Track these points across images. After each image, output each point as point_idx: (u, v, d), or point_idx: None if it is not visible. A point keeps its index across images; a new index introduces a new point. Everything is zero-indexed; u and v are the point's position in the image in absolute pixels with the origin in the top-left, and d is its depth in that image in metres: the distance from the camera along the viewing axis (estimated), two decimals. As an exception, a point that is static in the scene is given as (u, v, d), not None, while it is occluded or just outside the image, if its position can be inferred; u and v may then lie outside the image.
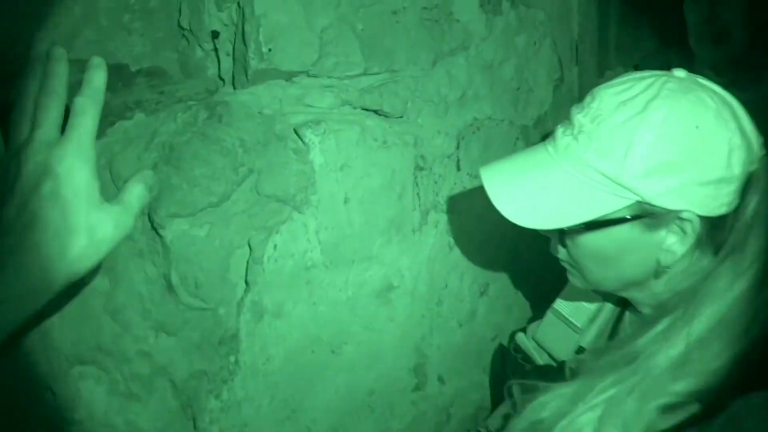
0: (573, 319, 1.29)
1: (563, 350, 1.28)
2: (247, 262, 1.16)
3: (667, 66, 1.77)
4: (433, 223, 1.43)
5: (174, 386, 1.13)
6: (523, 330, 1.41)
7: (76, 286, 1.01)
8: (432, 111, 1.41)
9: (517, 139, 1.60)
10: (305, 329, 1.26)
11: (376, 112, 1.32)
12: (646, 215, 0.97)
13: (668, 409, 0.91)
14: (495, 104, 1.53)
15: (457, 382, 1.59)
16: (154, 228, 1.07)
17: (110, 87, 0.99)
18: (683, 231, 0.97)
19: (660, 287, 1.05)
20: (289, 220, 1.19)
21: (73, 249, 0.69)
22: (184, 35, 1.17)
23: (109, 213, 0.74)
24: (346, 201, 1.26)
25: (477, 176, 1.49)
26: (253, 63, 1.14)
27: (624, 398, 0.94)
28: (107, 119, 1.07)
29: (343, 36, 1.22)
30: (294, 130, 1.19)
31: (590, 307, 1.29)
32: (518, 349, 1.37)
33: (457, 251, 1.51)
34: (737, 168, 0.95)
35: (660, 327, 0.97)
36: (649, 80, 0.97)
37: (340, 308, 1.30)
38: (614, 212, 0.97)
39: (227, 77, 1.19)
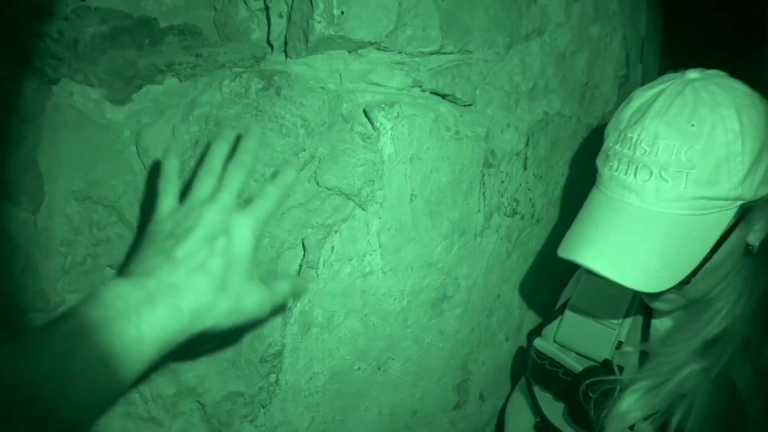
0: (602, 315, 1.13)
1: (598, 348, 1.13)
2: (300, 266, 0.90)
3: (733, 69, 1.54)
4: (494, 228, 1.18)
5: (203, 410, 0.87)
6: (538, 334, 1.20)
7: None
8: (502, 101, 1.15)
9: (583, 138, 1.35)
10: (354, 344, 1.00)
11: (444, 97, 1.06)
12: (747, 211, 0.90)
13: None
14: (565, 99, 1.28)
15: (496, 399, 1.35)
16: (194, 220, 0.81)
17: (135, 43, 0.78)
18: (766, 208, 0.92)
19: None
20: (351, 218, 0.93)
21: (220, 306, 0.66)
22: (225, -11, 0.91)
23: (258, 290, 0.71)
24: (412, 199, 1.00)
25: (542, 177, 1.26)
26: (319, 27, 0.87)
27: (740, 357, 0.92)
28: (133, 83, 0.81)
29: (424, 4, 0.96)
30: (364, 111, 0.93)
31: (616, 300, 1.13)
32: (542, 355, 1.16)
33: (513, 259, 1.26)
34: None
35: (726, 306, 0.94)
36: (686, 91, 0.89)
37: (392, 320, 1.05)
38: (727, 226, 0.88)
39: (277, 43, 0.93)
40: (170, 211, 0.70)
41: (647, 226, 0.87)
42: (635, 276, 0.86)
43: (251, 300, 0.69)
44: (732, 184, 0.85)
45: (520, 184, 1.21)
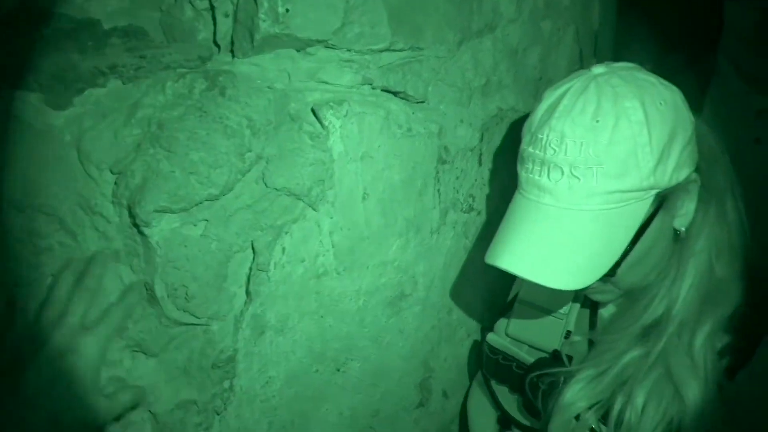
0: (550, 306, 1.14)
1: (548, 339, 1.13)
2: (250, 269, 0.88)
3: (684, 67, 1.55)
4: (451, 224, 1.17)
5: (154, 420, 0.84)
6: (491, 329, 1.21)
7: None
8: (455, 97, 1.13)
9: (538, 133, 1.34)
10: (310, 346, 0.98)
11: (396, 94, 1.04)
12: (665, 199, 0.91)
13: (716, 347, 0.92)
14: (518, 94, 1.27)
15: (460, 396, 1.33)
16: (135, 225, 0.78)
17: (78, 46, 0.79)
18: (688, 192, 0.93)
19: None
20: (301, 218, 0.91)
21: (68, 415, 0.73)
22: (170, -10, 0.88)
23: (101, 399, 0.77)
24: (364, 197, 0.98)
25: (497, 172, 1.25)
26: (264, 26, 0.85)
27: (675, 342, 0.93)
28: (74, 86, 0.78)
29: (371, 2, 0.94)
30: (312, 110, 0.90)
31: (562, 291, 1.09)
32: (495, 350, 1.16)
33: (471, 255, 1.24)
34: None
35: (661, 290, 0.95)
36: (590, 87, 0.89)
37: (349, 320, 1.03)
38: (645, 215, 0.89)
39: (224, 43, 0.90)
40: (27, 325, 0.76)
41: (564, 225, 0.88)
42: (557, 276, 0.87)
43: (99, 408, 0.76)
44: (643, 175, 0.86)
45: (476, 180, 1.20)
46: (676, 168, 0.88)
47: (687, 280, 0.94)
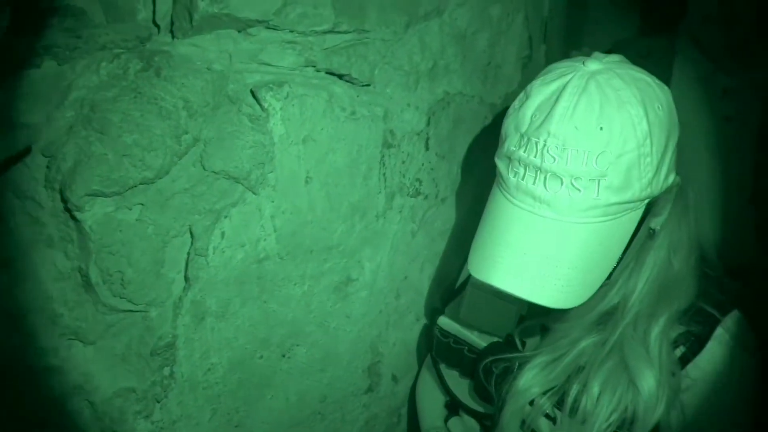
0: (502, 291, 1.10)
1: (501, 324, 1.11)
2: (188, 254, 0.86)
3: (644, 52, 1.56)
4: (397, 209, 1.16)
5: (92, 408, 0.82)
6: (442, 312, 1.19)
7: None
8: (402, 81, 1.12)
9: (486, 118, 1.34)
10: (253, 332, 0.97)
11: (340, 77, 1.03)
12: (653, 204, 0.89)
13: (670, 338, 0.93)
14: (466, 79, 1.26)
15: (410, 380, 1.34)
16: (68, 210, 0.76)
17: (13, 27, 0.74)
18: (671, 193, 0.92)
19: None
20: (240, 202, 0.89)
21: None
22: (110, -32, 0.85)
23: None
24: (307, 181, 0.97)
25: (444, 156, 1.25)
26: (202, 5, 0.82)
27: (630, 333, 0.94)
28: (7, 66, 0.75)
29: (314, -18, 0.93)
30: (251, 91, 0.89)
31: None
32: (446, 333, 1.15)
33: (419, 239, 1.24)
34: None
35: (619, 281, 0.95)
36: (590, 87, 0.83)
37: (294, 306, 1.02)
38: (637, 223, 0.88)
39: (163, 23, 0.87)
40: None
41: (563, 240, 0.84)
42: (557, 294, 0.83)
43: None
44: (642, 186, 0.83)
45: (423, 164, 1.19)
46: (667, 174, 0.87)
47: (645, 273, 0.94)
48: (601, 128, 0.80)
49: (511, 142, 0.88)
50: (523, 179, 0.85)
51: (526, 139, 0.85)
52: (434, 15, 1.17)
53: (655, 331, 0.93)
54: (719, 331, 0.93)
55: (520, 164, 0.86)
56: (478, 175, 1.34)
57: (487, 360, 1.07)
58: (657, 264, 0.95)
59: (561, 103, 0.82)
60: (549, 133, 0.82)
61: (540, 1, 1.50)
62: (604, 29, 1.88)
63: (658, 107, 0.84)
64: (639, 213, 0.86)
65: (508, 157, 0.89)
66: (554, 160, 0.82)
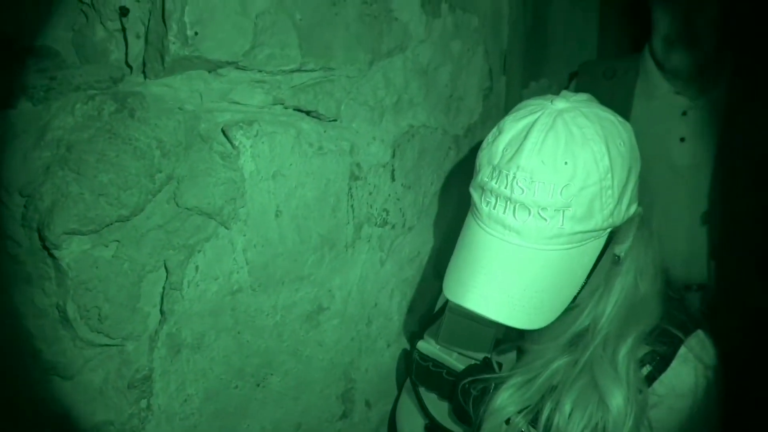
0: (479, 316, 1.15)
1: (478, 347, 1.16)
2: (163, 288, 0.89)
3: (609, 73, 1.61)
4: (366, 238, 1.20)
5: (69, 442, 0.85)
6: (419, 336, 1.24)
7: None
8: (367, 116, 1.18)
9: (450, 149, 1.39)
10: (228, 362, 0.99)
11: (308, 113, 1.07)
12: (615, 232, 0.95)
13: (637, 358, 0.98)
14: (430, 112, 1.32)
15: (383, 405, 1.37)
16: (45, 248, 0.78)
17: None
18: (633, 222, 0.97)
19: None
20: (213, 237, 0.93)
21: None
22: (82, 10, 0.89)
23: None
24: (277, 215, 1.01)
25: (410, 186, 1.30)
26: (174, 48, 0.87)
27: (599, 353, 0.98)
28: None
29: (281, 24, 0.97)
30: (222, 130, 0.92)
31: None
32: (425, 357, 1.19)
33: (388, 267, 1.28)
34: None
35: (589, 305, 1.00)
36: (557, 124, 0.89)
37: (267, 336, 1.05)
38: (600, 250, 0.93)
39: (136, 64, 0.91)
40: None
41: (531, 265, 0.89)
42: (525, 316, 0.88)
43: None
44: (604, 216, 0.88)
45: (389, 195, 1.24)
46: (629, 205, 0.92)
47: (613, 297, 1.00)
48: (566, 163, 0.86)
49: (484, 174, 0.93)
50: (494, 209, 0.91)
51: (497, 172, 0.90)
52: (397, 51, 1.22)
53: (623, 351, 0.97)
54: (683, 351, 0.98)
55: (491, 194, 0.91)
56: (444, 203, 1.39)
57: (465, 381, 1.11)
58: (624, 288, 1.00)
59: (530, 139, 0.88)
60: (518, 167, 0.87)
61: (499, 35, 1.56)
62: (563, 58, 1.95)
63: (620, 143, 0.90)
64: (602, 241, 0.92)
65: (481, 187, 0.94)
66: (523, 191, 0.87)
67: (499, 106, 1.57)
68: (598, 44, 2.08)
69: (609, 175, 0.87)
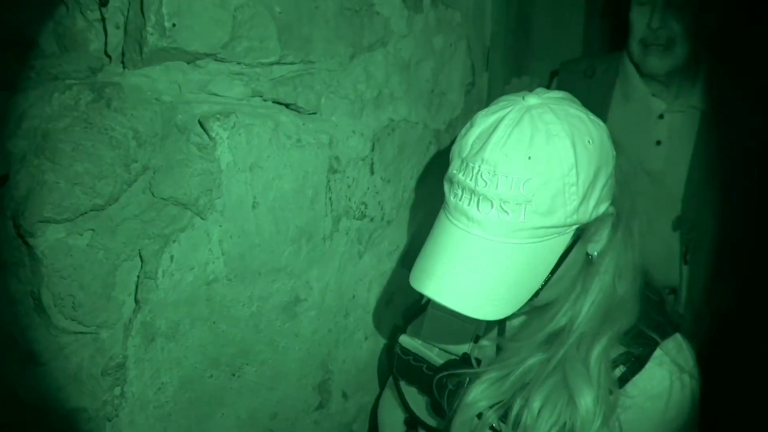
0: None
1: (458, 343, 1.16)
2: (138, 277, 0.90)
3: (590, 72, 1.62)
4: (344, 231, 1.22)
5: (46, 430, 0.85)
6: (403, 330, 1.24)
7: None
8: (347, 109, 1.19)
9: (430, 143, 1.41)
10: (203, 351, 1.01)
11: (287, 106, 1.08)
12: (583, 230, 0.94)
13: (611, 358, 0.98)
14: (411, 106, 1.33)
15: (360, 397, 1.38)
16: (20, 235, 0.79)
17: None
18: (604, 221, 0.96)
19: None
20: (189, 227, 0.94)
21: None
22: (62, 0, 0.90)
23: None
24: (254, 206, 1.02)
25: (390, 180, 1.31)
26: (152, 39, 0.88)
27: (573, 353, 0.98)
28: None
29: (260, 17, 0.98)
30: (199, 121, 0.93)
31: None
32: (407, 351, 1.20)
33: (366, 260, 1.30)
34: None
35: (566, 305, 1.00)
36: (523, 120, 0.89)
37: (243, 326, 1.06)
38: (565, 247, 0.92)
39: (115, 54, 0.92)
40: None
41: (491, 257, 0.89)
42: (482, 307, 0.89)
43: None
44: (567, 213, 0.88)
45: (368, 188, 1.25)
46: (597, 204, 0.91)
47: (590, 297, 0.99)
48: (529, 158, 0.86)
49: (453, 166, 0.94)
50: (460, 200, 0.91)
51: (465, 164, 0.91)
52: (378, 46, 1.23)
53: (597, 350, 0.98)
54: (658, 353, 0.98)
55: (458, 186, 0.92)
56: (424, 197, 1.40)
57: (441, 375, 1.12)
58: (602, 289, 1.00)
59: (497, 133, 0.88)
60: (483, 160, 0.88)
61: (482, 31, 1.57)
62: (547, 55, 1.96)
63: (589, 141, 0.89)
64: (567, 238, 0.91)
65: (450, 179, 0.95)
66: (486, 184, 0.87)
67: (481, 101, 1.59)
68: (584, 42, 2.09)
69: (573, 172, 0.87)
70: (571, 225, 0.90)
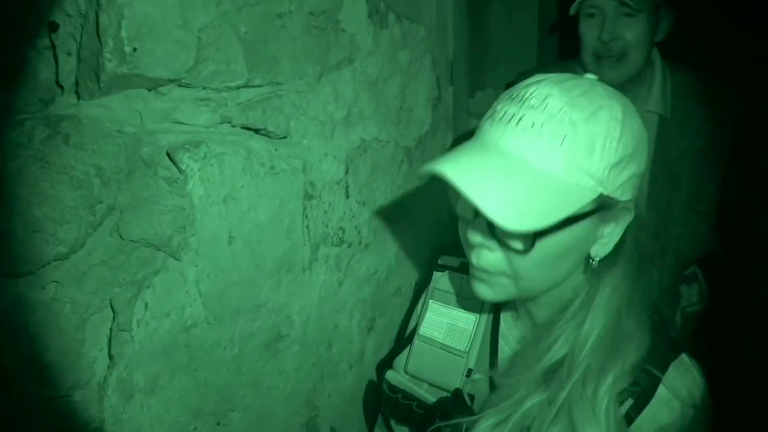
0: (451, 343, 1.08)
1: (449, 377, 1.07)
2: (111, 330, 0.79)
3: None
4: (323, 259, 1.13)
5: None
6: (388, 365, 1.15)
7: None
8: (318, 131, 1.11)
9: (402, 161, 1.34)
10: (185, 403, 0.90)
11: (257, 131, 1.00)
12: (603, 208, 0.87)
13: (616, 397, 0.90)
14: (380, 124, 1.26)
15: (348, 429, 1.29)
16: (-26, 294, 0.69)
17: None
18: (617, 222, 0.89)
19: (568, 287, 0.95)
20: (163, 270, 0.84)
21: None
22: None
23: None
24: (230, 241, 0.93)
25: (365, 203, 1.24)
26: (110, 66, 0.78)
27: (579, 392, 0.89)
28: None
29: (226, 38, 0.89)
30: (167, 153, 0.84)
31: (463, 326, 1.09)
32: (394, 389, 1.11)
33: (346, 287, 1.21)
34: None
35: (565, 332, 0.92)
36: (584, 80, 0.88)
37: (225, 370, 0.96)
38: (584, 206, 0.84)
39: (67, 84, 0.82)
40: None
41: (515, 169, 0.81)
42: (494, 204, 0.78)
43: None
44: (602, 165, 0.82)
45: (344, 213, 1.17)
46: (624, 185, 0.86)
47: (596, 327, 0.91)
48: (582, 96, 0.84)
49: (500, 102, 0.88)
50: (498, 120, 0.85)
51: (515, 94, 0.86)
52: (346, 63, 1.16)
53: (603, 389, 0.89)
54: (662, 390, 0.91)
55: (501, 111, 0.86)
56: (399, 217, 1.33)
57: (435, 426, 1.02)
58: (609, 320, 0.92)
59: (554, 75, 0.87)
60: (537, 88, 0.85)
61: (445, 45, 1.52)
62: (503, 67, 1.92)
63: (634, 122, 0.87)
64: (588, 196, 0.83)
65: (492, 110, 0.88)
66: (533, 106, 0.83)
67: (447, 116, 1.53)
68: (538, 52, 2.06)
69: (619, 128, 0.83)
70: (597, 182, 0.83)
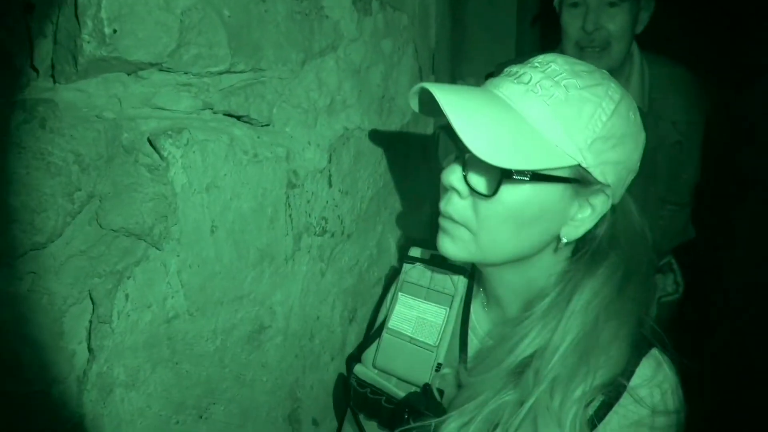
0: (420, 337, 1.07)
1: (418, 371, 1.05)
2: (90, 322, 0.76)
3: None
4: (306, 249, 1.10)
5: None
6: (357, 359, 1.13)
7: None
8: (301, 119, 1.07)
9: (385, 150, 1.31)
10: (167, 396, 0.87)
11: (239, 118, 0.97)
12: (579, 181, 0.86)
13: (586, 400, 0.87)
14: (363, 113, 1.23)
15: (330, 421, 1.27)
16: (-55, 286, 0.65)
17: None
18: (593, 208, 0.88)
19: (538, 267, 0.94)
20: (144, 260, 0.80)
21: None
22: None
23: None
24: (213, 230, 0.90)
25: (347, 192, 1.21)
26: (89, 48, 0.74)
27: (546, 402, 0.86)
28: None
29: (209, 21, 0.86)
30: (148, 139, 0.80)
31: (433, 320, 1.07)
32: (362, 383, 1.09)
33: (328, 278, 1.18)
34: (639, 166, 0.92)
35: (529, 331, 0.90)
36: (596, 69, 0.91)
37: (207, 363, 0.93)
38: (559, 168, 0.84)
39: (43, 67, 0.78)
40: None
41: (504, 112, 0.84)
42: (473, 132, 0.80)
43: None
44: (586, 134, 0.83)
45: (327, 202, 1.14)
46: (606, 166, 0.85)
47: (570, 333, 0.88)
48: (586, 72, 0.87)
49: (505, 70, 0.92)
50: (503, 74, 0.90)
51: (523, 60, 0.91)
52: (329, 51, 1.13)
53: (569, 403, 0.86)
54: (626, 399, 0.87)
55: (505, 70, 0.90)
56: (381, 207, 1.31)
57: (404, 428, 0.99)
58: (584, 329, 0.88)
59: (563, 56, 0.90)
60: (547, 55, 0.90)
61: (427, 33, 1.49)
62: (482, 57, 1.91)
63: (633, 115, 0.89)
64: (566, 160, 0.83)
65: (498, 72, 0.93)
66: (536, 66, 0.87)
67: (429, 105, 1.50)
68: (517, 43, 2.04)
69: (611, 107, 0.85)
70: (575, 145, 0.83)
